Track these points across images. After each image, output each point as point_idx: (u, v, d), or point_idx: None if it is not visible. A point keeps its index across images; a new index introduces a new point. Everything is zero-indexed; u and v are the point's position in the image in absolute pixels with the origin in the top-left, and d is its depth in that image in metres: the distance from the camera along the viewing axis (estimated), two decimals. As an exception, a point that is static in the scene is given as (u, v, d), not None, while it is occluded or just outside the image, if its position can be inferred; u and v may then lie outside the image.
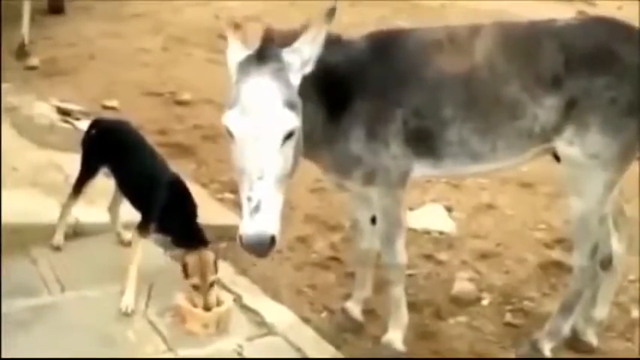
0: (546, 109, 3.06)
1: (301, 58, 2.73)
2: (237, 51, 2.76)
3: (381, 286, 3.91)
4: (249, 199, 2.55)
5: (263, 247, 2.52)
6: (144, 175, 3.46)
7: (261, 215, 2.52)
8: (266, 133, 2.59)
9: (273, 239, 2.51)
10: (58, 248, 3.70)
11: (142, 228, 3.34)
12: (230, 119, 2.62)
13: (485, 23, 3.25)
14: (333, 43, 2.89)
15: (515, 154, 3.21)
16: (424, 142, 3.12)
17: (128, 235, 3.69)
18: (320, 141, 3.03)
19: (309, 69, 2.75)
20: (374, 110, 3.07)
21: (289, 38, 2.76)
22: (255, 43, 2.73)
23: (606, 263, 3.44)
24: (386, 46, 3.13)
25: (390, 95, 3.08)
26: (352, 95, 3.04)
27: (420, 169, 3.20)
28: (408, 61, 3.12)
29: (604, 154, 3.08)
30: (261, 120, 2.59)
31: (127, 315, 3.24)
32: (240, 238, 2.52)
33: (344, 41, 3.10)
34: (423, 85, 3.09)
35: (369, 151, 3.08)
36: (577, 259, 3.30)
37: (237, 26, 2.84)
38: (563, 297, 3.45)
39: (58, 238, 3.72)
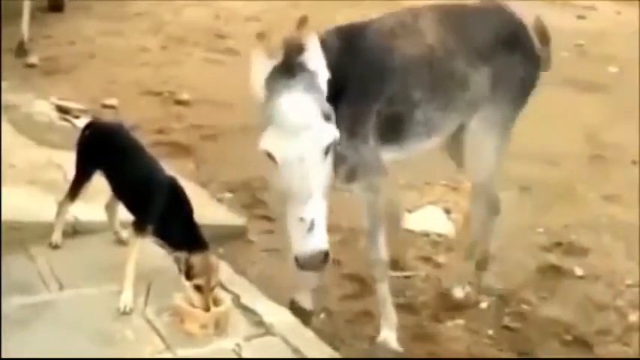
0: (483, 80, 3.33)
1: (320, 62, 2.70)
2: (261, 65, 2.69)
3: (374, 286, 3.92)
4: (301, 219, 2.56)
5: (320, 263, 2.61)
6: (139, 178, 3.42)
7: (315, 234, 2.57)
8: (310, 152, 2.57)
9: (327, 254, 2.60)
10: (56, 246, 3.68)
11: (138, 227, 3.32)
12: (270, 142, 2.58)
13: (419, 6, 3.46)
14: None
15: (455, 125, 3.44)
16: (393, 128, 3.18)
17: (126, 233, 3.68)
18: None
19: (328, 74, 2.72)
20: (354, 109, 3.06)
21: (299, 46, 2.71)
22: (278, 54, 2.67)
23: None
24: (354, 43, 3.12)
25: (367, 91, 3.10)
26: (335, 97, 2.96)
27: (386, 155, 3.24)
28: (375, 53, 3.15)
29: (503, 124, 3.49)
30: (304, 139, 2.56)
31: (125, 314, 3.23)
32: (297, 258, 2.58)
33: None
34: (392, 75, 3.15)
35: (351, 149, 3.07)
36: (479, 211, 3.71)
37: (261, 36, 2.75)
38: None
39: (56, 237, 3.70)
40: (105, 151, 3.56)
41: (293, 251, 2.60)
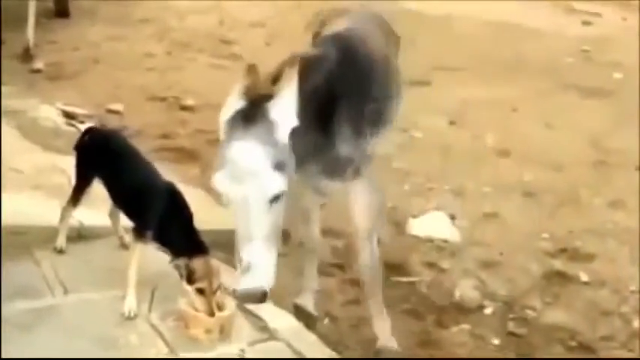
0: None
1: (287, 111, 2.72)
2: (231, 104, 2.75)
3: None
4: (240, 260, 2.66)
5: (255, 300, 2.72)
6: (136, 184, 3.42)
7: (251, 275, 2.64)
8: (254, 199, 2.64)
9: (264, 294, 2.66)
10: (60, 251, 3.69)
11: (138, 232, 3.32)
12: (218, 182, 2.68)
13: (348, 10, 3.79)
14: (312, 63, 3.00)
15: None
16: (375, 122, 3.35)
17: (130, 238, 3.68)
18: (311, 155, 3.05)
19: (295, 122, 2.74)
20: (354, 111, 3.17)
21: (274, 80, 2.75)
22: (244, 97, 2.72)
23: None
24: (348, 52, 3.25)
25: (362, 94, 3.25)
26: (336, 104, 3.09)
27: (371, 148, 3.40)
28: (364, 60, 3.33)
29: None
30: (248, 186, 2.64)
31: (130, 318, 3.24)
32: (234, 291, 2.71)
33: (318, 57, 3.15)
34: (376, 76, 3.37)
35: (356, 149, 3.18)
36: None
37: (250, 70, 2.79)
38: None
39: (61, 241, 3.70)
40: (102, 157, 3.57)
41: (232, 284, 2.73)
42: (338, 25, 3.56)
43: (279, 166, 2.67)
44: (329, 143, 3.09)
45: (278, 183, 2.66)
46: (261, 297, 2.68)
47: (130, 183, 3.45)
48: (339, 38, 3.36)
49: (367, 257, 3.33)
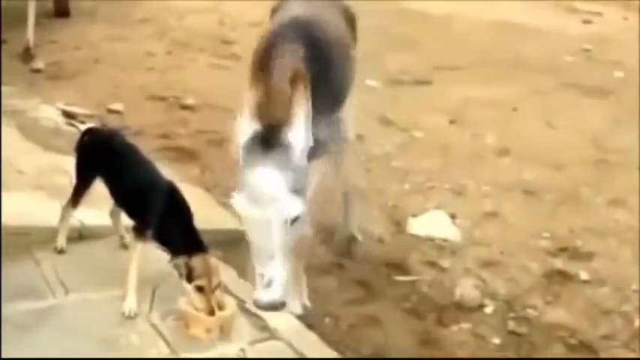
0: None
1: (303, 133, 2.85)
2: (245, 126, 2.87)
3: (379, 291, 3.93)
4: (261, 275, 2.90)
5: (275, 310, 3.00)
6: (136, 184, 3.43)
7: (273, 290, 2.90)
8: (274, 223, 2.82)
9: (284, 304, 2.98)
10: (61, 251, 3.68)
11: (138, 232, 3.33)
12: (239, 205, 2.86)
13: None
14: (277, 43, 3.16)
15: None
16: (335, 99, 3.47)
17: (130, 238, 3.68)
18: None
19: (311, 142, 2.88)
20: (328, 94, 3.26)
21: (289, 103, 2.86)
22: (261, 122, 2.85)
23: None
24: (314, 37, 3.33)
25: (329, 76, 3.32)
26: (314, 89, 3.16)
27: None
28: (326, 44, 3.38)
29: None
30: (269, 210, 2.80)
31: (130, 318, 3.24)
32: (255, 302, 2.97)
33: (283, 39, 3.24)
34: (329, 56, 3.38)
35: (330, 125, 3.34)
36: None
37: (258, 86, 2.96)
38: None
39: (61, 242, 3.70)
40: (102, 157, 3.57)
41: (254, 294, 2.98)
42: (297, 7, 3.59)
43: (297, 191, 2.83)
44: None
45: (297, 206, 2.83)
46: (281, 306, 2.98)
47: (131, 182, 3.45)
48: (304, 24, 3.38)
49: (305, 228, 3.45)
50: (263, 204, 2.81)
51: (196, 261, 3.15)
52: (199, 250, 3.20)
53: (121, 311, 3.24)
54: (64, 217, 3.70)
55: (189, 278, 3.16)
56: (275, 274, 2.89)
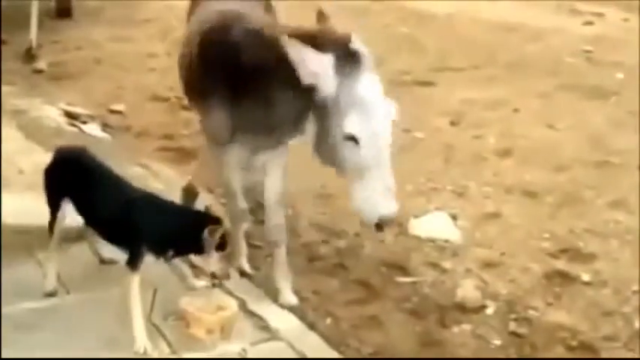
0: None
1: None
2: (322, 59, 2.92)
3: (380, 292, 3.93)
4: (387, 187, 2.97)
5: (392, 223, 3.18)
6: (110, 204, 3.21)
7: (392, 198, 3.01)
8: (387, 126, 2.96)
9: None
10: (52, 294, 3.42)
11: (133, 262, 3.11)
12: (355, 126, 2.89)
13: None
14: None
15: None
16: None
17: (108, 252, 3.57)
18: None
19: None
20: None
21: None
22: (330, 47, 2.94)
23: None
24: (236, 22, 3.53)
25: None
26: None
27: None
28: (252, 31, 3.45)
29: None
30: (381, 116, 2.93)
31: (146, 355, 3.05)
32: (382, 219, 3.02)
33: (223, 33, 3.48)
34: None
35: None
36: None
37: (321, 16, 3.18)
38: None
39: (50, 284, 3.43)
40: (70, 177, 3.33)
41: (376, 214, 3.00)
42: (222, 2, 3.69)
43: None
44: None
45: (393, 106, 2.98)
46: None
47: (102, 203, 3.24)
48: (227, 14, 3.54)
49: (279, 218, 3.59)
50: (375, 112, 2.90)
51: (218, 230, 3.10)
52: (215, 222, 3.13)
53: (122, 310, 3.13)
54: (48, 260, 3.46)
55: (222, 247, 3.12)
56: (391, 182, 2.99)
